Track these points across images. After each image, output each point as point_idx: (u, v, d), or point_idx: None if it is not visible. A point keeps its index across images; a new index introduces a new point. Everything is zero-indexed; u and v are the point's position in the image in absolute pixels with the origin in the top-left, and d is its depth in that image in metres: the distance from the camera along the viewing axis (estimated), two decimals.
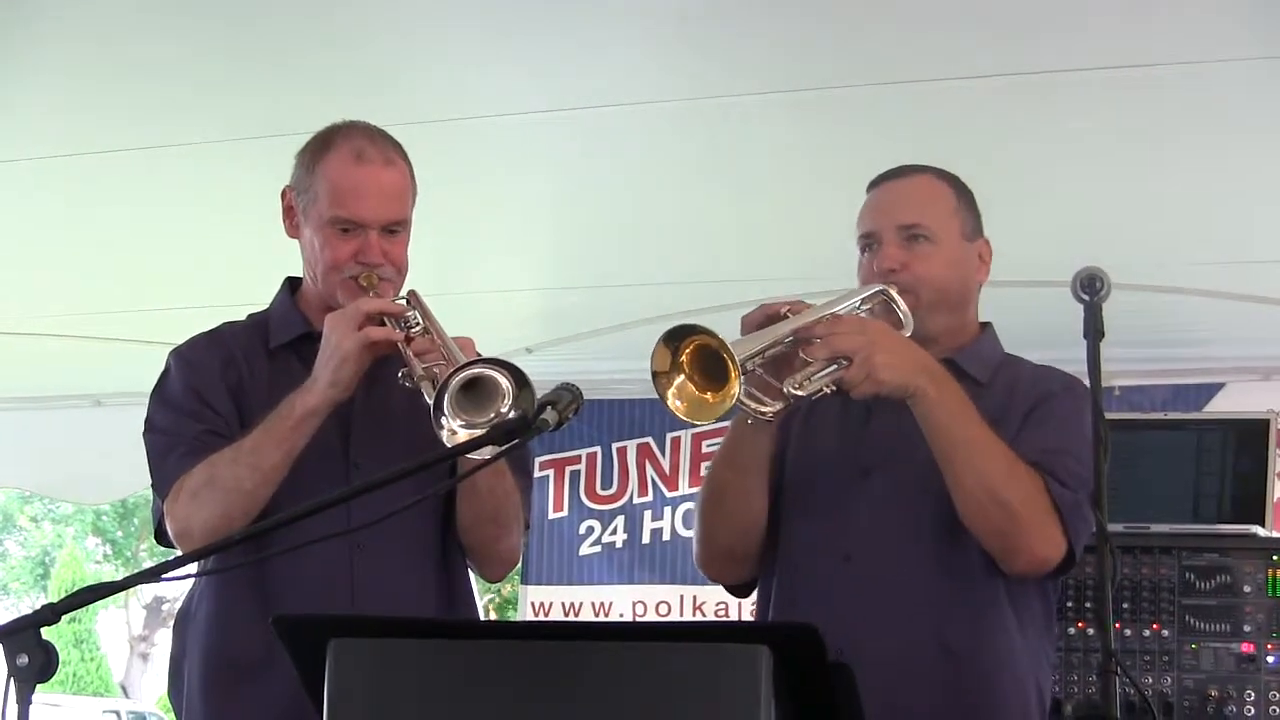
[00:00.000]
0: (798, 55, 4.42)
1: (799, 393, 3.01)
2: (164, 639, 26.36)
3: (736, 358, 2.86)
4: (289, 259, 3.46)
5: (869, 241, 3.31)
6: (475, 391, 2.93)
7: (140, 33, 4.38)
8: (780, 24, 4.28)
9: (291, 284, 3.44)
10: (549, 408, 2.55)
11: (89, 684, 25.72)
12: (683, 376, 2.95)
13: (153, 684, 26.63)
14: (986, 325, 3.41)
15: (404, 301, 3.21)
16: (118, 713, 24.46)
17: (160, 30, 4.36)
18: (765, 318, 3.08)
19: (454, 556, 3.35)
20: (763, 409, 3.04)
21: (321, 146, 3.29)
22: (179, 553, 3.14)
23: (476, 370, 2.93)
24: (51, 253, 6.01)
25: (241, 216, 5.36)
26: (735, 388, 2.87)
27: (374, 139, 3.28)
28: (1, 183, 5.30)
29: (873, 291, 3.23)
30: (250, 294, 3.68)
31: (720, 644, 2.30)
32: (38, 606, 2.38)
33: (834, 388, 3.03)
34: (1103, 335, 3.09)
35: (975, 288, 3.37)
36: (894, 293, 3.22)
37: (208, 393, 3.27)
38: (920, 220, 3.27)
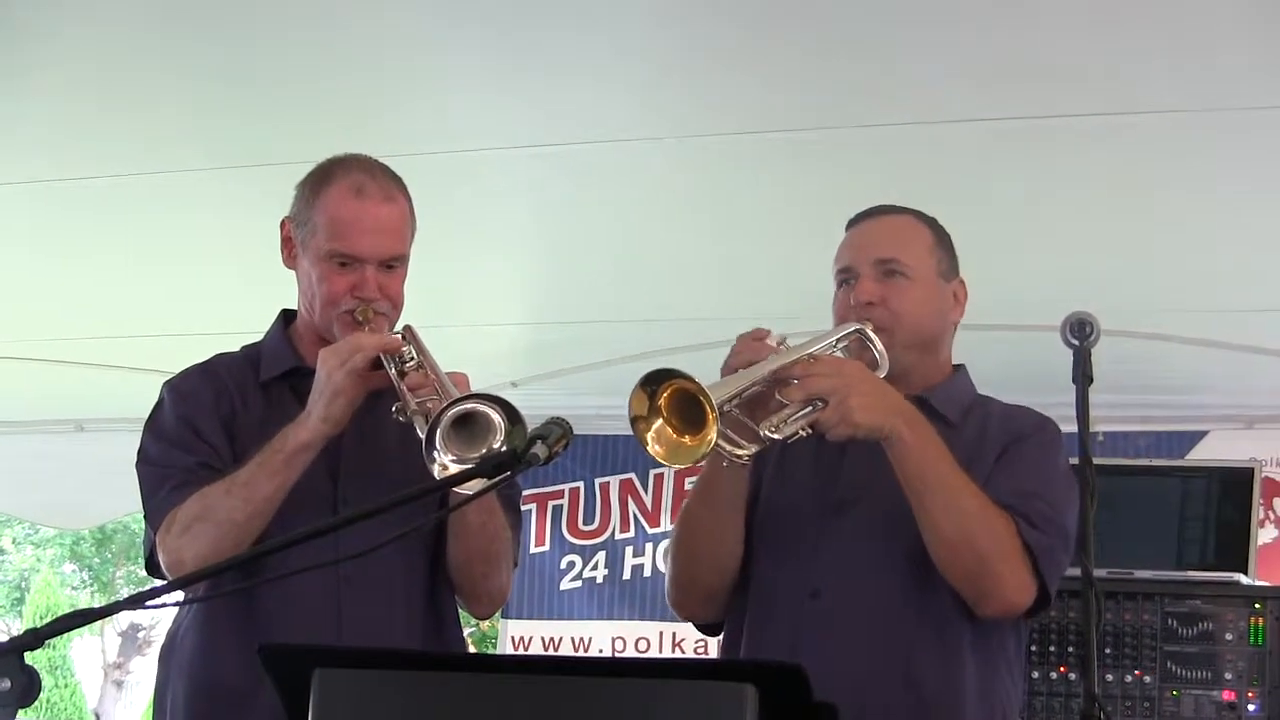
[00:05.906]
0: (786, 96, 4.44)
1: (775, 436, 3.00)
2: (139, 667, 26.17)
3: (714, 401, 2.86)
4: (275, 288, 3.45)
5: (846, 277, 3.31)
6: (468, 427, 2.91)
7: (131, 63, 4.39)
8: (768, 64, 4.30)
9: (286, 317, 3.43)
10: (539, 441, 2.51)
11: (62, 711, 25.48)
12: (661, 420, 2.94)
13: (126, 712, 26.39)
14: (960, 367, 3.41)
15: (399, 336, 3.20)
16: None
17: (152, 61, 4.37)
18: (742, 363, 3.07)
19: (442, 593, 3.33)
20: (738, 452, 3.03)
21: (321, 179, 3.27)
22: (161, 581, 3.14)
23: (469, 405, 2.91)
24: (35, 277, 6.00)
25: (228, 245, 5.37)
26: (712, 432, 2.86)
27: (374, 174, 3.27)
28: None
29: (849, 330, 3.23)
30: (235, 322, 3.68)
31: (706, 682, 2.29)
32: (12, 632, 2.36)
33: (809, 430, 3.03)
34: (1091, 380, 3.10)
35: (950, 327, 3.38)
36: (870, 331, 3.22)
37: (201, 425, 3.25)
38: (897, 255, 3.27)
